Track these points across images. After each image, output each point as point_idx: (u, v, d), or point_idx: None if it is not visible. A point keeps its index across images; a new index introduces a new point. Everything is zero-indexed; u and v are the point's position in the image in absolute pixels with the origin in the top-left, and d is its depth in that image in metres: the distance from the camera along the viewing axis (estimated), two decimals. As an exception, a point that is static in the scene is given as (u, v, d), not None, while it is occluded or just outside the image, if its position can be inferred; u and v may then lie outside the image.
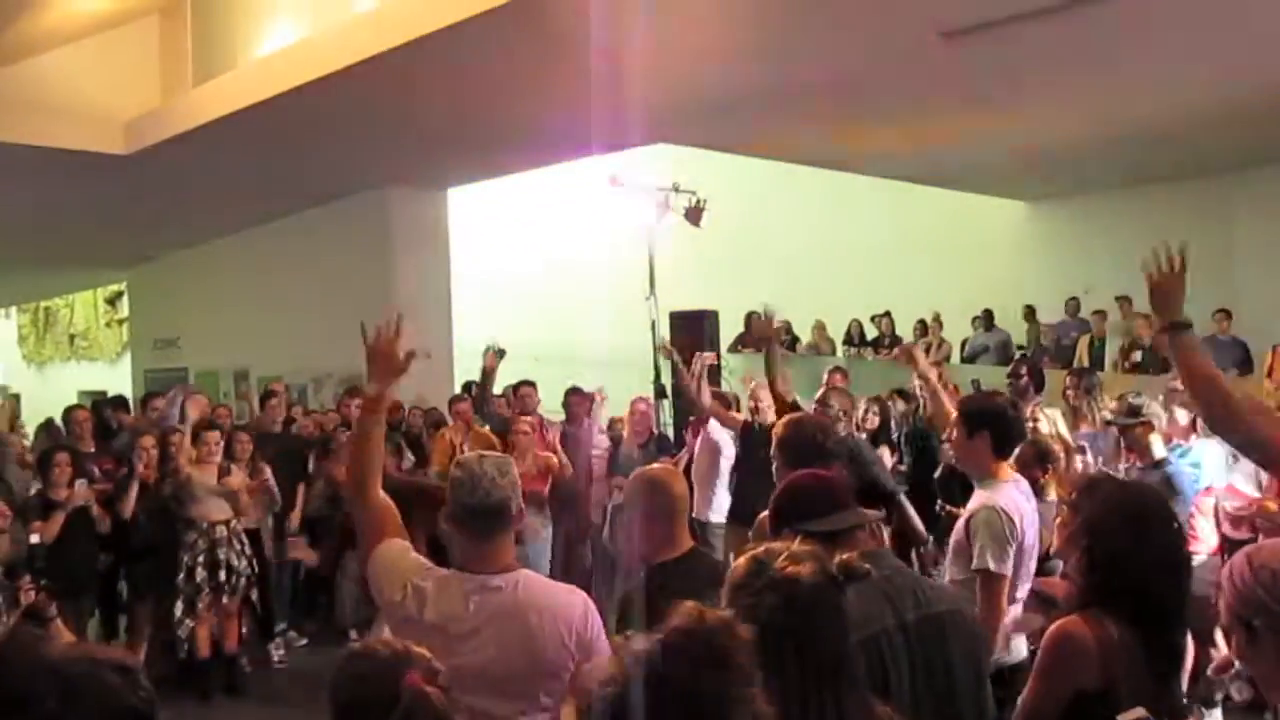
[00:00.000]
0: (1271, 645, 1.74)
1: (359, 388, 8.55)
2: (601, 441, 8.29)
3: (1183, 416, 5.67)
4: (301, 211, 12.32)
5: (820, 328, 14.39)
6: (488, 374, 8.39)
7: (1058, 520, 2.78)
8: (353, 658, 1.74)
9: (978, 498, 3.48)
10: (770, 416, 6.63)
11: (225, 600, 6.76)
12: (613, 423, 8.55)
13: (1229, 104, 9.26)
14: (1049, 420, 5.70)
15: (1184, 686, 2.56)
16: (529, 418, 7.74)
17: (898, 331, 13.72)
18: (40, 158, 9.58)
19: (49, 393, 19.30)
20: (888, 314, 13.91)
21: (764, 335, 5.65)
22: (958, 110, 9.50)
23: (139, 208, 12.08)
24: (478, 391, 8.56)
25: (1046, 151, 11.11)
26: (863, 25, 7.26)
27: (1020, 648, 3.45)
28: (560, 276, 15.40)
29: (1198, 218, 11.35)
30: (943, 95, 8.97)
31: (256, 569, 7.00)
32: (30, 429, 9.24)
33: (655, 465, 3.95)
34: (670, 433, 9.52)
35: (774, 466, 3.63)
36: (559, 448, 7.69)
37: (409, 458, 7.97)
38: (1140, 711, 2.10)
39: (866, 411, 7.52)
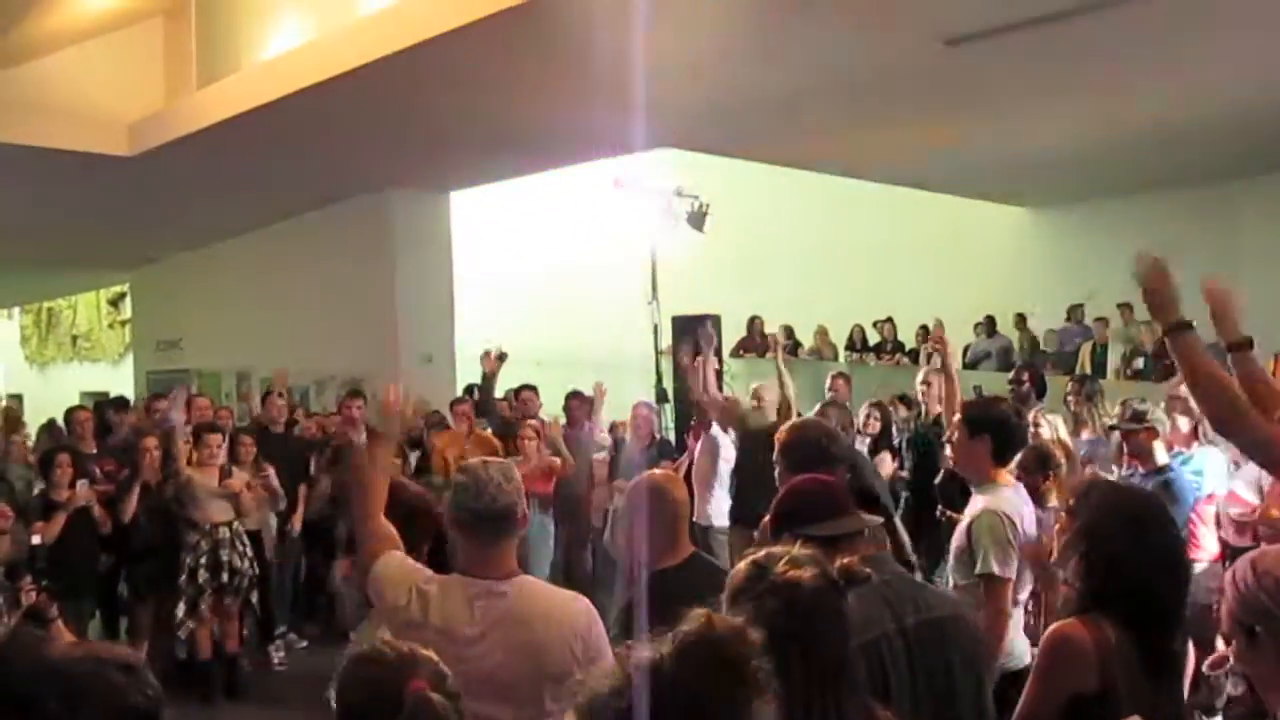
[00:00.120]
0: (1272, 649, 1.74)
1: (360, 389, 8.64)
2: (604, 441, 8.28)
3: (1184, 423, 5.64)
4: (304, 214, 12.30)
5: (822, 333, 14.36)
6: (489, 377, 8.39)
7: (1056, 526, 2.78)
8: (359, 660, 1.73)
9: (977, 502, 3.48)
10: (772, 415, 6.67)
11: (227, 601, 6.76)
12: (614, 425, 8.54)
13: (1234, 109, 9.23)
14: (1050, 425, 5.69)
15: (1185, 694, 2.56)
16: (533, 421, 7.75)
17: (899, 337, 13.73)
18: (44, 159, 9.58)
19: (51, 393, 19.29)
20: (890, 319, 13.90)
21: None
22: (961, 116, 9.49)
23: (142, 209, 12.09)
24: (480, 395, 8.57)
25: (1049, 157, 11.07)
26: (867, 32, 7.26)
27: (1022, 652, 3.45)
28: (562, 280, 15.37)
29: (1202, 224, 11.32)
30: (946, 101, 8.97)
31: (258, 571, 6.99)
32: (32, 430, 9.25)
33: (655, 471, 3.95)
34: (671, 437, 9.51)
35: (776, 471, 3.63)
36: (561, 446, 7.68)
37: (410, 460, 7.97)
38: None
39: (868, 417, 7.50)
